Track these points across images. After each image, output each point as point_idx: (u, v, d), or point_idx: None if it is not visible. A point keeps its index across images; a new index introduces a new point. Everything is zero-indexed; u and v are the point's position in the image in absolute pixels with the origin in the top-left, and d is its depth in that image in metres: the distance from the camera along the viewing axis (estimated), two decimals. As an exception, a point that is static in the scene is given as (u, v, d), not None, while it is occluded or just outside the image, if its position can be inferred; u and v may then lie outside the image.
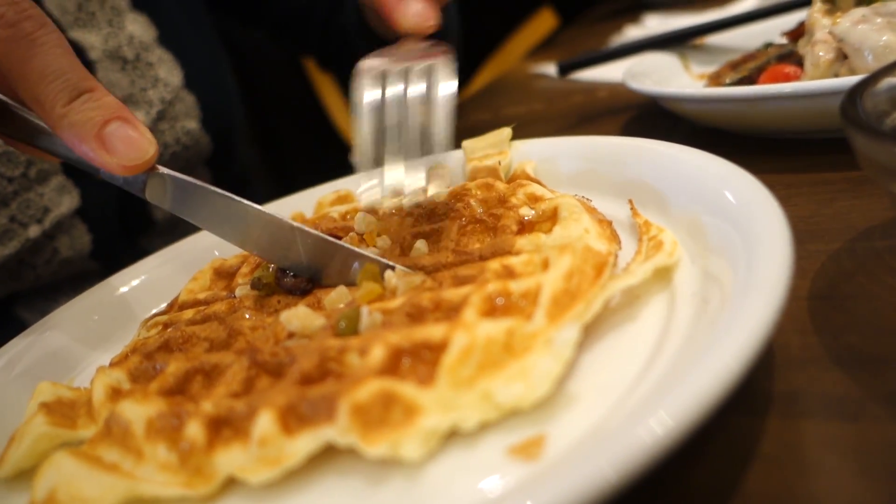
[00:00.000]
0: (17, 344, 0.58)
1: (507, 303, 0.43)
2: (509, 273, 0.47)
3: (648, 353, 0.38)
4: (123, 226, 0.94)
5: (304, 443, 0.37)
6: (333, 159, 0.66)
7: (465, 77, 1.69)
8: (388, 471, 0.36)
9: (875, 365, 0.37)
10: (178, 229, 1.08)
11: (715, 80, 0.87)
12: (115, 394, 0.47)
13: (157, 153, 0.52)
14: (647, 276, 0.44)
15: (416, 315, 0.44)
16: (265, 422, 0.37)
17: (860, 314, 0.41)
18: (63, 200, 0.86)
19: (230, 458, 0.38)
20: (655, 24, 1.52)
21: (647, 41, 1.05)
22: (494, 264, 0.48)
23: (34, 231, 0.82)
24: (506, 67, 1.73)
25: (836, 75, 0.70)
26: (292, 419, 0.38)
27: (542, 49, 1.79)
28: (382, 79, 0.55)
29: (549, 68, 1.42)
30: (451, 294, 0.45)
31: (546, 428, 0.35)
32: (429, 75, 0.54)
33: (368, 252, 0.53)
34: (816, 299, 0.44)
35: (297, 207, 0.75)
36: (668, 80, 0.91)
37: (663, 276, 0.45)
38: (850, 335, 0.40)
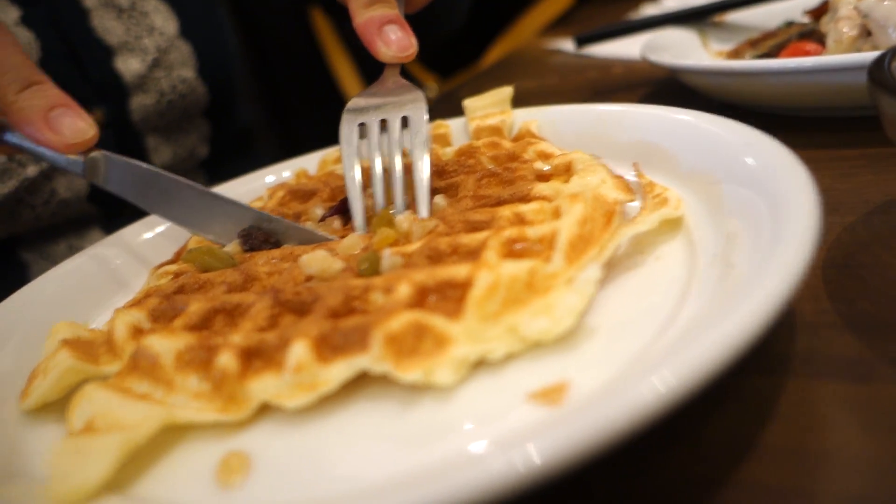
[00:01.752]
0: (30, 290, 0.58)
1: (524, 247, 0.45)
2: (520, 220, 0.50)
3: (671, 307, 0.40)
4: None
5: (339, 370, 0.39)
6: (332, 115, 0.68)
7: (478, 50, 1.67)
8: (418, 396, 0.38)
9: (887, 330, 0.39)
10: None
11: (734, 56, 0.87)
12: (137, 332, 0.48)
13: (97, 136, 0.58)
14: (654, 226, 0.46)
15: (435, 258, 0.46)
16: (300, 350, 0.39)
17: (874, 283, 0.42)
18: None
19: (264, 386, 0.40)
20: (673, 4, 1.48)
21: (666, 16, 1.04)
22: (506, 212, 0.50)
23: (32, 170, 0.84)
24: (520, 42, 1.72)
25: (859, 52, 0.69)
26: (325, 348, 0.40)
27: (558, 25, 1.77)
28: (363, 125, 0.60)
29: (565, 44, 1.41)
30: (468, 239, 0.47)
31: (570, 374, 0.37)
32: (406, 121, 0.59)
33: (309, 227, 0.57)
34: (831, 268, 0.45)
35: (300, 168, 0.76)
36: (686, 56, 0.89)
37: (672, 228, 0.48)
38: (864, 302, 0.41)
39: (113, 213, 0.95)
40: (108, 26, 0.93)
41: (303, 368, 0.39)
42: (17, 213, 0.87)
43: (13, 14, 0.85)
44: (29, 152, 0.59)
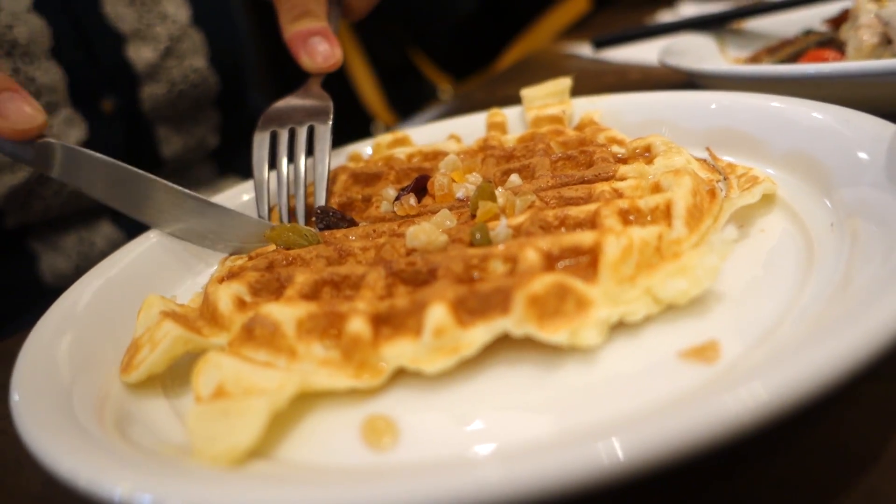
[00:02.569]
0: (111, 264, 0.56)
1: (636, 218, 0.46)
2: (619, 195, 0.50)
3: (797, 273, 0.41)
4: (130, 162, 0.93)
5: (479, 333, 0.38)
6: (348, 116, 0.69)
7: (493, 53, 1.67)
8: (559, 358, 0.38)
9: None
10: (189, 171, 1.07)
11: (752, 63, 0.88)
12: (241, 304, 0.47)
13: (45, 123, 0.56)
14: (758, 199, 0.47)
15: (546, 229, 0.46)
16: (439, 313, 0.38)
17: None
18: (71, 133, 0.87)
19: (400, 351, 0.39)
20: (691, 12, 1.50)
21: (684, 22, 1.05)
22: (604, 187, 0.50)
23: None
24: (537, 46, 1.72)
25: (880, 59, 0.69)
26: (462, 312, 0.39)
27: (574, 30, 1.77)
28: (275, 137, 0.66)
29: (581, 49, 1.42)
30: (576, 211, 0.47)
31: (714, 335, 0.37)
32: (311, 138, 0.65)
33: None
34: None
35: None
36: (704, 62, 0.90)
37: (768, 203, 0.49)
38: None
39: None
40: (120, 13, 0.92)
41: (443, 332, 0.38)
42: (28, 203, 0.85)
43: (25, 1, 0.83)
44: None
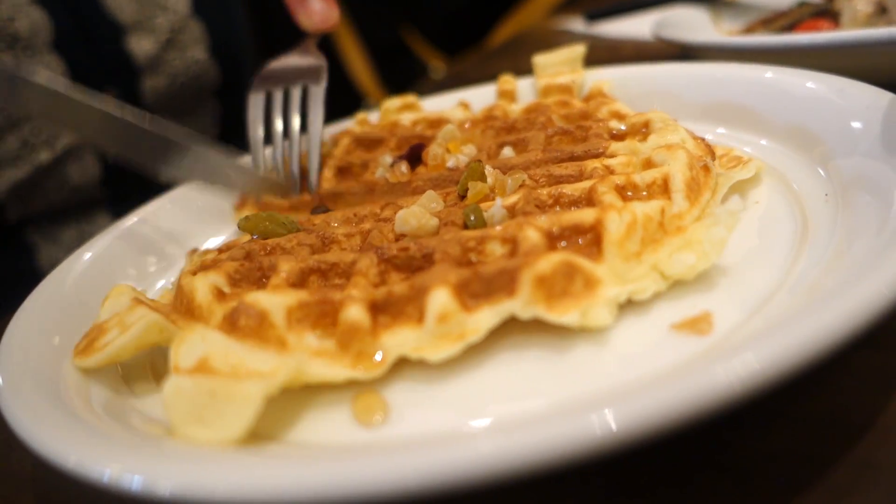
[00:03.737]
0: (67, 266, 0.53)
1: (634, 194, 0.44)
2: (610, 172, 0.49)
3: (793, 243, 0.41)
4: None
5: (486, 317, 0.36)
6: (338, 93, 0.69)
7: (485, 29, 1.63)
8: (568, 340, 0.37)
9: None
10: None
11: (746, 35, 0.87)
12: (220, 295, 0.44)
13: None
14: (753, 173, 0.47)
15: (541, 208, 0.45)
16: (442, 298, 0.36)
17: None
18: None
19: (401, 339, 0.37)
20: None
21: None
22: (594, 163, 0.49)
23: (45, 156, 0.83)
24: (530, 22, 1.69)
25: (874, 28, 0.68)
26: (466, 296, 0.37)
27: (567, 6, 1.73)
28: (269, 96, 0.66)
29: (574, 25, 1.39)
30: (570, 189, 0.45)
31: (710, 306, 0.37)
32: (305, 99, 0.65)
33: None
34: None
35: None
36: (698, 34, 0.88)
37: (757, 180, 0.48)
38: None
39: (123, 196, 0.91)
40: (120, 3, 0.89)
41: (447, 317, 0.36)
42: (31, 197, 0.84)
43: None
44: None
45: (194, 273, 0.48)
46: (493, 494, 0.27)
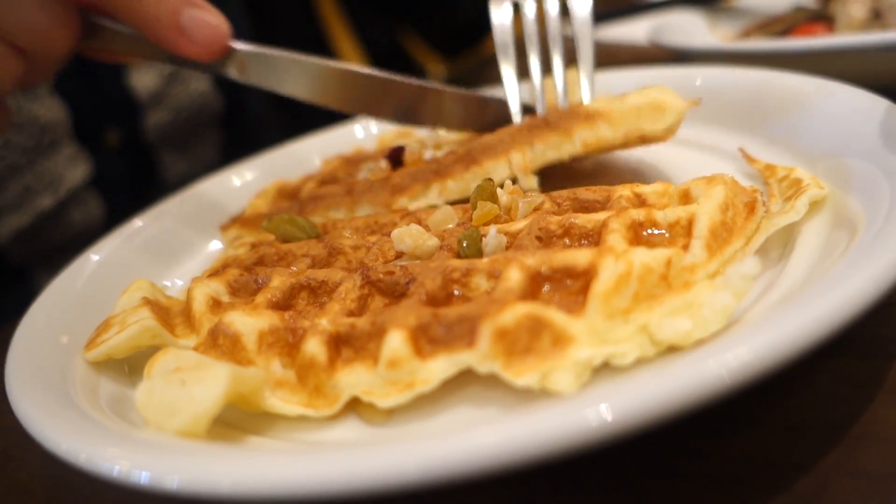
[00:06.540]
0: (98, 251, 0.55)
1: (652, 234, 0.39)
2: (641, 202, 0.43)
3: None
4: (135, 193, 0.92)
5: (440, 367, 0.34)
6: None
7: (483, 31, 1.58)
8: (526, 400, 0.33)
9: None
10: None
11: (743, 39, 0.87)
12: (216, 304, 0.44)
13: (230, 32, 0.53)
14: (803, 214, 0.40)
15: (545, 240, 0.40)
16: (396, 342, 0.34)
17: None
18: (75, 170, 0.84)
19: (354, 379, 0.35)
20: None
21: None
22: (624, 191, 0.43)
23: (49, 201, 0.81)
24: None
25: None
26: (424, 340, 0.35)
27: (564, 10, 1.69)
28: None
29: (571, 28, 1.36)
30: (583, 219, 0.41)
31: None
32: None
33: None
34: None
35: (306, 151, 0.73)
36: (694, 39, 0.89)
37: (815, 209, 0.41)
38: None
39: None
40: None
41: (398, 364, 0.34)
42: (33, 242, 0.83)
43: None
44: (168, 62, 0.55)
45: (214, 273, 0.48)
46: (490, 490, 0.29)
